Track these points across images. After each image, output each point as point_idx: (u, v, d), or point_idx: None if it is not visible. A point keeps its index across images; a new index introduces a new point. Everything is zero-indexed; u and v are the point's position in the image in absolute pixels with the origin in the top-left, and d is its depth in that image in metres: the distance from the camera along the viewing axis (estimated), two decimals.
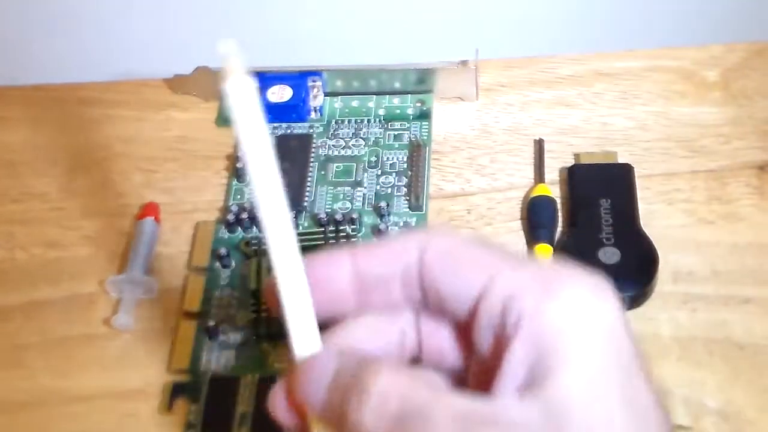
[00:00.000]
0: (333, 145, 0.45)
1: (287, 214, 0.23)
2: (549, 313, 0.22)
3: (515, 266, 0.23)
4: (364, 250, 0.25)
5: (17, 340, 0.40)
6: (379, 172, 0.44)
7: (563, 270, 0.23)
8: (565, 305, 0.22)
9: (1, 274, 0.42)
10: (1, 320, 0.40)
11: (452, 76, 0.46)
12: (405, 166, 0.44)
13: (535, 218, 0.41)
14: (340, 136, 0.45)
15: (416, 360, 0.25)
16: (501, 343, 0.22)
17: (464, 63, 0.46)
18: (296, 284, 0.24)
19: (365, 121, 0.46)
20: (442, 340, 0.25)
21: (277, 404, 0.24)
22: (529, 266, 0.23)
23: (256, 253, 0.40)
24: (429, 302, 0.24)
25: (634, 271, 0.39)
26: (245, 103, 0.22)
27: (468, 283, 0.23)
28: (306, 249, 0.39)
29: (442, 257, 0.24)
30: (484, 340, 0.23)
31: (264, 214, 0.23)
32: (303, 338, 0.24)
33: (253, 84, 0.22)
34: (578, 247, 0.40)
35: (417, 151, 0.44)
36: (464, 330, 0.24)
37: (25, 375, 0.39)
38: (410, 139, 0.45)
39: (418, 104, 0.46)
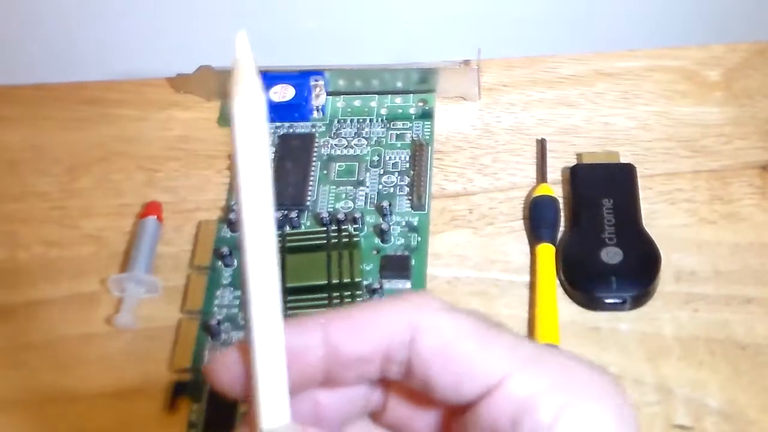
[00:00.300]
0: (335, 145, 0.45)
1: (276, 270, 0.20)
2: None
3: (528, 365, 0.20)
4: (340, 322, 0.21)
5: (18, 339, 0.40)
6: (382, 172, 0.44)
7: (581, 374, 0.20)
8: (587, 425, 0.20)
9: (2, 273, 0.42)
10: (3, 319, 0.40)
11: (454, 76, 0.46)
12: (407, 165, 0.44)
13: (537, 218, 0.41)
14: (343, 135, 0.45)
15: (375, 416, 0.23)
16: None
17: (466, 62, 0.46)
18: (274, 349, 0.20)
19: (367, 121, 0.46)
20: (412, 412, 0.23)
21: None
22: (543, 366, 0.20)
23: None
24: (412, 383, 0.22)
25: (636, 271, 0.39)
26: (251, 133, 0.19)
27: (470, 383, 0.20)
28: (308, 249, 0.39)
29: (440, 350, 0.21)
30: None
31: (251, 268, 0.20)
32: (272, 408, 0.20)
33: (263, 103, 0.19)
34: (580, 246, 0.40)
35: (419, 151, 0.44)
36: (450, 413, 0.22)
37: (26, 374, 0.39)
38: (412, 139, 0.45)
39: (421, 104, 0.46)
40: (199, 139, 0.47)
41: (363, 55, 0.48)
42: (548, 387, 0.20)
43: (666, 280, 0.39)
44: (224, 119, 0.47)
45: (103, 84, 0.50)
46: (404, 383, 0.22)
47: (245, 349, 0.20)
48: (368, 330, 0.21)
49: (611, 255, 0.39)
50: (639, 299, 0.38)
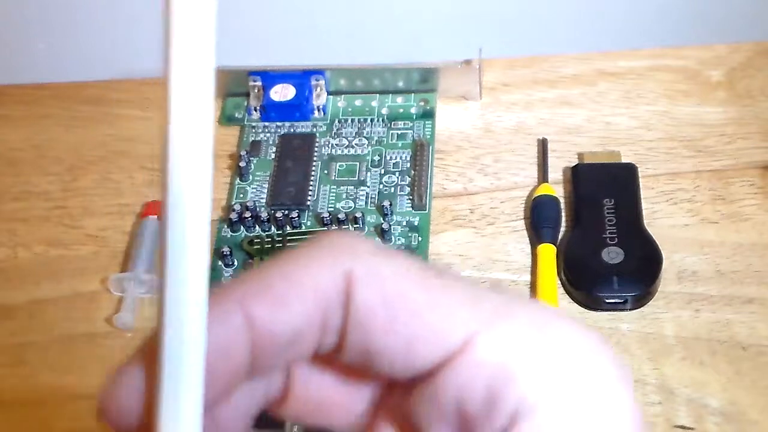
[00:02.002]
0: (336, 144, 0.45)
1: (206, 239, 0.15)
2: (561, 412, 0.15)
3: (496, 320, 0.16)
4: (261, 296, 0.16)
5: (19, 338, 0.40)
6: (383, 172, 0.43)
7: (563, 331, 0.16)
8: (581, 397, 0.15)
9: (3, 273, 0.42)
10: (4, 318, 0.40)
11: (456, 76, 0.46)
12: (408, 165, 0.44)
13: (539, 218, 0.41)
14: (343, 135, 0.45)
15: (273, 405, 0.18)
16: None
17: (468, 62, 0.46)
18: (191, 356, 0.15)
19: (368, 120, 0.46)
20: (326, 391, 0.18)
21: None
22: (514, 321, 0.16)
23: (259, 252, 0.40)
24: (346, 357, 0.17)
25: (638, 271, 0.38)
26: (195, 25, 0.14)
27: (425, 348, 0.16)
28: None
29: (382, 307, 0.16)
30: (441, 431, 0.16)
31: (171, 231, 0.15)
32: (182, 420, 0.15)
33: None
34: (582, 246, 0.39)
35: (420, 151, 0.44)
36: (387, 390, 0.18)
37: (27, 373, 0.39)
38: (413, 139, 0.45)
39: (422, 103, 0.46)
40: None
41: (364, 55, 0.48)
42: (526, 350, 0.15)
43: (668, 280, 0.39)
44: (225, 118, 0.47)
45: (104, 83, 0.50)
46: (336, 358, 0.17)
47: (148, 360, 0.16)
48: (298, 297, 0.16)
49: (612, 255, 0.39)
50: (640, 299, 0.38)
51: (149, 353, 0.15)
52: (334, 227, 0.40)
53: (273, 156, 0.44)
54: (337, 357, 0.17)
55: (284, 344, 0.16)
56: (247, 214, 0.41)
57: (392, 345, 0.16)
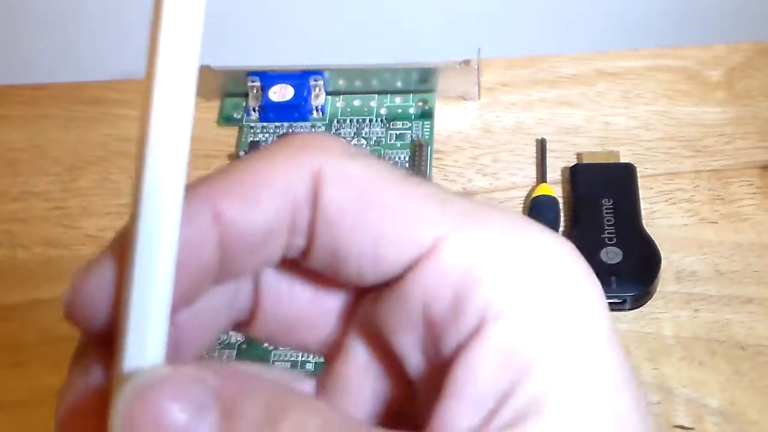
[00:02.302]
0: None
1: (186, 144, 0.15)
2: (530, 317, 0.15)
3: (465, 224, 0.15)
4: (230, 192, 0.16)
5: (18, 338, 0.40)
6: None
7: (531, 236, 0.16)
8: (551, 303, 0.15)
9: (2, 273, 0.42)
10: (2, 319, 0.40)
11: (454, 76, 0.46)
12: (407, 165, 0.44)
13: (537, 218, 0.40)
14: (342, 135, 0.45)
15: (243, 325, 0.18)
16: (442, 350, 0.15)
17: (466, 62, 0.46)
18: (161, 251, 0.15)
19: (367, 121, 0.46)
20: (295, 305, 0.17)
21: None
22: (483, 225, 0.15)
23: None
24: (313, 262, 0.16)
25: (637, 271, 0.38)
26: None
27: (393, 249, 0.15)
28: None
29: (351, 205, 0.16)
30: (409, 338, 0.16)
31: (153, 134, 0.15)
32: (142, 340, 0.15)
33: None
34: (580, 246, 0.39)
35: (419, 151, 0.44)
36: (355, 300, 0.17)
37: (25, 373, 0.39)
38: (412, 139, 0.45)
39: (420, 103, 0.46)
40: (199, 138, 0.46)
41: (363, 55, 0.48)
42: (495, 255, 0.15)
43: (666, 280, 0.39)
44: (224, 119, 0.47)
45: (103, 84, 0.50)
46: (304, 265, 0.17)
47: (117, 257, 0.15)
48: (267, 195, 0.16)
49: (611, 255, 0.39)
50: (639, 299, 0.38)
51: (118, 250, 0.15)
52: None
53: None
54: (305, 262, 0.16)
55: (253, 244, 0.16)
56: None
57: (360, 245, 0.16)
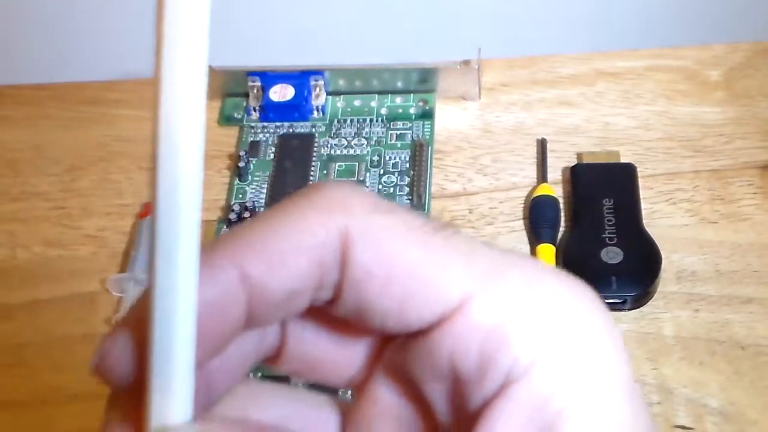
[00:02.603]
0: (335, 145, 0.45)
1: (197, 202, 0.15)
2: (555, 372, 0.15)
3: (491, 281, 0.16)
4: (258, 253, 0.16)
5: (18, 338, 0.40)
6: (382, 172, 0.43)
7: (555, 290, 0.16)
8: (574, 357, 0.15)
9: (2, 273, 0.42)
10: (3, 319, 0.40)
11: (455, 76, 0.46)
12: (407, 165, 0.44)
13: (538, 218, 0.41)
14: (343, 135, 0.45)
15: (269, 360, 0.18)
16: (469, 403, 0.16)
17: (467, 62, 0.46)
18: (182, 311, 0.15)
19: (367, 121, 0.46)
20: (321, 346, 0.18)
21: None
22: (509, 281, 0.16)
23: None
24: (340, 311, 0.17)
25: (637, 271, 0.38)
26: None
27: (421, 307, 0.16)
28: None
29: (379, 265, 0.16)
30: (435, 387, 0.16)
31: (162, 192, 0.14)
32: (170, 398, 0.15)
33: None
34: (581, 246, 0.40)
35: (419, 151, 0.44)
36: (382, 342, 0.17)
37: (26, 373, 0.39)
38: (412, 139, 0.45)
39: (421, 104, 0.46)
40: None
41: (363, 55, 0.48)
42: (520, 312, 0.15)
43: (667, 280, 0.39)
44: (224, 119, 0.47)
45: (103, 84, 0.50)
46: (329, 312, 0.17)
47: (139, 320, 0.15)
48: (294, 256, 0.16)
49: (611, 255, 0.39)
50: (639, 299, 0.38)
51: (141, 312, 0.15)
52: None
53: (272, 156, 0.44)
54: (331, 310, 0.17)
55: (279, 302, 0.16)
56: (246, 215, 0.41)
57: (387, 303, 0.16)
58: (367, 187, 0.43)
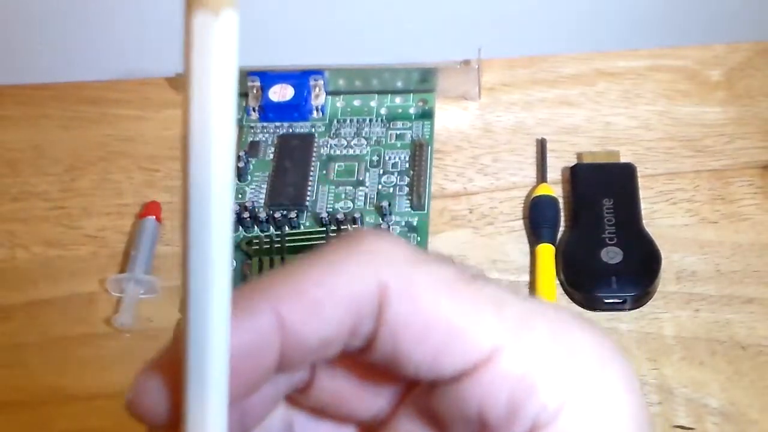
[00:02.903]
0: (335, 145, 0.45)
1: (228, 250, 0.15)
2: (579, 420, 0.16)
3: (520, 332, 0.17)
4: (295, 301, 0.16)
5: (17, 338, 0.40)
6: (381, 172, 0.43)
7: (579, 339, 0.17)
8: (598, 404, 0.17)
9: (1, 273, 0.42)
10: (2, 319, 0.40)
11: (455, 76, 0.46)
12: (407, 165, 0.44)
13: (538, 218, 0.41)
14: (342, 135, 0.45)
15: (297, 392, 0.18)
16: None
17: (467, 62, 0.46)
18: (215, 355, 0.15)
19: (367, 121, 0.46)
20: (349, 385, 0.18)
21: None
22: (536, 331, 0.17)
23: (257, 253, 0.40)
24: (373, 357, 0.17)
25: (637, 271, 0.38)
26: (216, 72, 0.14)
27: (453, 358, 0.16)
28: (307, 249, 0.39)
29: (414, 318, 0.16)
30: (462, 431, 0.17)
31: (193, 220, 0.15)
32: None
33: (236, 27, 0.14)
34: (580, 246, 0.39)
35: (419, 151, 0.44)
36: (409, 385, 0.18)
37: (25, 374, 0.39)
38: (412, 139, 0.45)
39: (421, 103, 0.46)
40: None
41: (363, 55, 0.48)
42: (546, 361, 0.17)
43: (667, 280, 0.39)
44: None
45: (102, 84, 0.50)
46: (361, 357, 0.17)
47: (172, 361, 0.16)
48: (331, 305, 0.16)
49: (611, 255, 0.39)
50: (639, 299, 0.38)
51: (175, 351, 0.16)
52: (332, 227, 0.40)
53: (271, 156, 0.44)
54: (363, 356, 0.17)
55: (313, 349, 0.16)
56: (246, 215, 0.41)
57: (420, 355, 0.16)
58: (367, 187, 0.43)
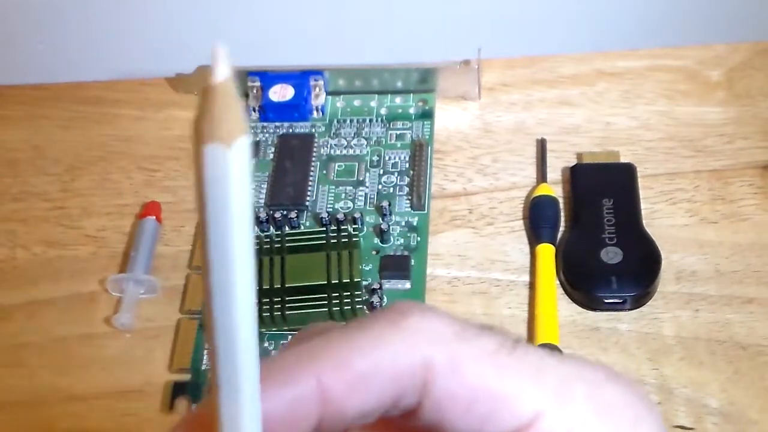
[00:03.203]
0: (335, 145, 0.45)
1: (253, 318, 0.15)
2: None
3: (559, 397, 0.18)
4: (339, 373, 0.17)
5: (18, 339, 0.40)
6: (381, 172, 0.43)
7: (614, 400, 0.18)
8: None
9: (1, 273, 0.42)
10: (2, 319, 0.40)
11: (455, 76, 0.46)
12: (407, 165, 0.44)
13: (538, 218, 0.41)
14: (342, 135, 0.45)
15: None
16: None
17: (467, 62, 0.46)
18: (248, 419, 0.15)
19: (367, 121, 0.46)
20: None
21: None
22: (574, 395, 0.18)
23: (257, 253, 0.39)
24: (415, 423, 0.18)
25: (637, 271, 0.38)
26: (230, 196, 0.14)
27: (496, 426, 0.17)
28: (307, 249, 0.39)
29: (460, 394, 0.17)
30: None
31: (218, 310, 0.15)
32: None
33: (248, 152, 0.14)
34: (580, 246, 0.39)
35: (419, 151, 0.44)
36: None
37: (25, 374, 0.39)
38: (412, 139, 0.45)
39: (420, 103, 0.46)
40: None
41: (363, 55, 0.48)
42: (584, 422, 0.18)
43: (667, 280, 0.39)
44: None
45: (102, 84, 0.50)
46: (399, 422, 0.18)
47: (206, 418, 0.16)
48: (376, 378, 0.17)
49: (611, 255, 0.39)
50: (639, 299, 0.38)
51: (209, 412, 0.16)
52: (332, 227, 0.40)
53: (271, 156, 0.44)
54: (401, 421, 0.18)
55: (352, 419, 0.17)
56: None
57: (465, 424, 0.17)
58: (367, 187, 0.43)
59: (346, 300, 0.38)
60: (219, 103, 0.13)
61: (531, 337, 0.37)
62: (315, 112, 0.46)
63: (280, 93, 0.46)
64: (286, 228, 0.41)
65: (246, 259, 0.14)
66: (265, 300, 0.38)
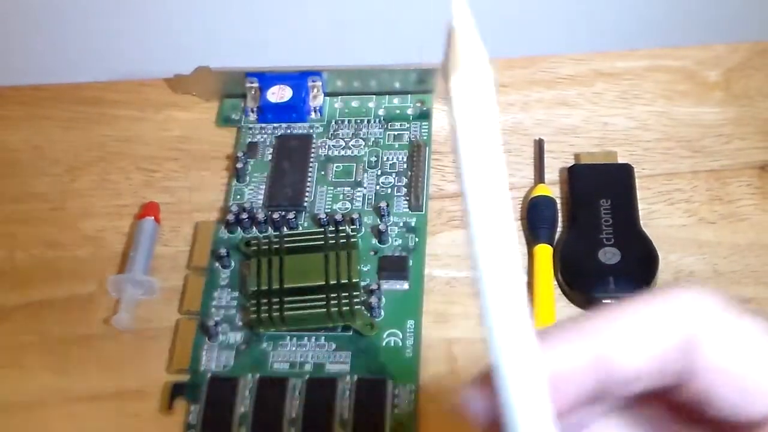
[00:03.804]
0: (333, 146, 0.45)
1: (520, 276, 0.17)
2: None
3: None
4: (613, 333, 0.18)
5: (17, 340, 0.40)
6: (379, 173, 0.44)
7: None
8: None
9: (1, 274, 0.42)
10: (1, 320, 0.40)
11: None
12: (405, 166, 0.44)
13: (535, 218, 0.41)
14: (340, 136, 0.45)
15: None
16: None
17: None
18: (528, 372, 0.17)
19: (365, 122, 0.46)
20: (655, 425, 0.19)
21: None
22: None
23: (255, 254, 0.40)
24: (676, 396, 0.18)
25: (635, 272, 0.38)
26: (477, 119, 0.16)
27: (763, 402, 0.18)
28: (306, 250, 0.39)
29: (727, 366, 0.18)
30: None
31: (488, 275, 0.17)
32: None
33: (491, 80, 0.16)
34: (578, 247, 0.39)
35: (417, 151, 0.44)
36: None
37: (24, 375, 0.39)
38: (410, 139, 0.45)
39: (419, 104, 0.46)
40: (198, 139, 0.47)
41: (361, 56, 0.48)
42: None
43: (665, 281, 0.39)
44: (222, 119, 0.47)
45: (101, 84, 0.50)
46: (663, 396, 0.18)
47: (487, 381, 0.17)
48: (647, 341, 0.18)
49: (609, 255, 0.39)
50: None
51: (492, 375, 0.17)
52: (330, 228, 0.40)
53: (270, 157, 0.44)
54: (666, 395, 0.18)
55: (625, 382, 0.18)
56: (244, 216, 0.41)
57: (729, 398, 0.18)
58: (365, 187, 0.43)
59: (344, 300, 0.38)
60: (460, 40, 0.16)
61: None
62: (313, 113, 0.46)
63: (278, 94, 0.46)
64: (285, 229, 0.41)
65: (500, 178, 0.16)
66: (263, 301, 0.38)
